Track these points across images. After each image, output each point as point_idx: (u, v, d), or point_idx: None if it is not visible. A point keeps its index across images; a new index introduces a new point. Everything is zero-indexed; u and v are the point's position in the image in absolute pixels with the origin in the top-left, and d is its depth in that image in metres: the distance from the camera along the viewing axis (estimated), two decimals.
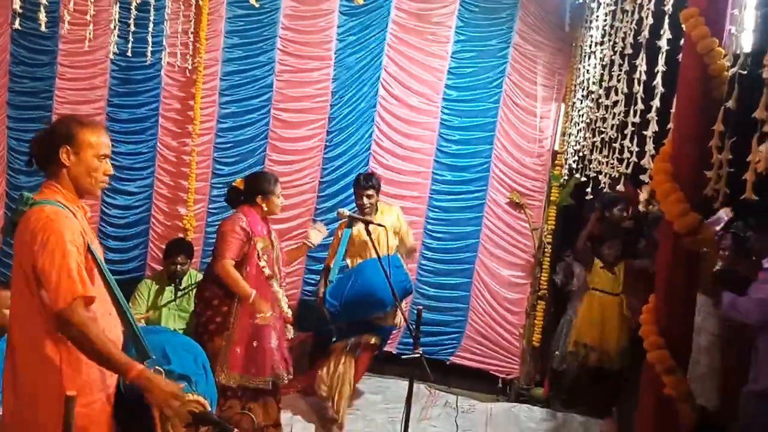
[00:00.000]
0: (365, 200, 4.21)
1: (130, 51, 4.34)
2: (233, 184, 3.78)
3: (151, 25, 4.24)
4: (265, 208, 3.63)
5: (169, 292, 4.38)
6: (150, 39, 4.32)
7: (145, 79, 5.21)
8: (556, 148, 4.98)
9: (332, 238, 4.43)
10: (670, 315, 2.14)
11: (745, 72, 1.91)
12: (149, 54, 4.40)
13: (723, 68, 1.94)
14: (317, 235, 4.06)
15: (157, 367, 2.04)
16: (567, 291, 5.18)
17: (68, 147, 2.03)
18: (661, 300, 2.16)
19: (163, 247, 4.69)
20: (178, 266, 4.34)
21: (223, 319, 3.50)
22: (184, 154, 5.20)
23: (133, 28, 4.15)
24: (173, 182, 5.25)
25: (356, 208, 4.28)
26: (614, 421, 4.50)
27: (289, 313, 3.68)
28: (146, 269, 5.25)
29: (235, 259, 3.48)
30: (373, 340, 4.28)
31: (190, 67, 4.99)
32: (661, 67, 2.54)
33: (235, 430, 2.17)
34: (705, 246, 2.05)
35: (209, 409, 2.13)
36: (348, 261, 4.29)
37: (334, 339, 4.23)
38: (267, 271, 3.56)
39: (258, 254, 3.52)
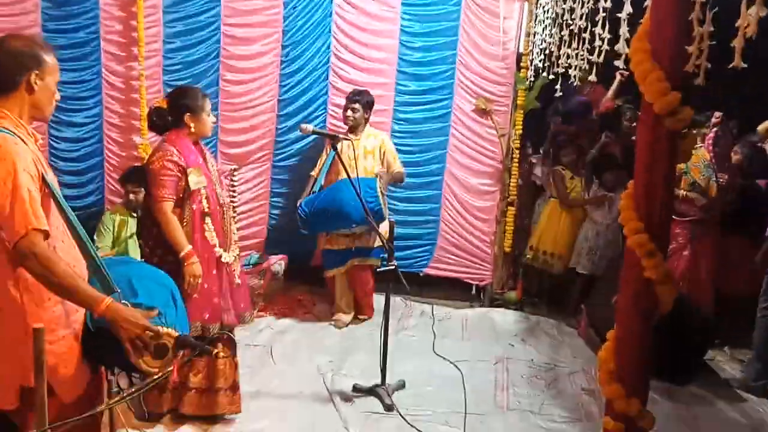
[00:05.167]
0: (348, 113, 4.38)
1: None
2: (155, 104, 3.19)
3: None
4: (193, 129, 3.04)
5: (133, 223, 4.25)
6: None
7: (80, 0, 4.81)
8: (521, 49, 4.84)
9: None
10: (649, 198, 2.09)
11: None
12: None
13: None
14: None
15: (123, 301, 1.95)
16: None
17: (36, 72, 1.92)
18: (641, 184, 2.11)
19: None
20: (131, 195, 4.23)
21: (176, 258, 2.95)
22: (132, 79, 4.89)
23: None
24: (124, 110, 4.95)
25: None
26: (584, 317, 4.63)
27: (233, 256, 3.17)
28: (105, 202, 5.04)
29: (175, 197, 2.97)
30: (356, 262, 4.49)
31: None
32: None
33: (214, 350, 2.12)
34: (685, 126, 2.00)
35: None
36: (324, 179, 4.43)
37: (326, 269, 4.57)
38: (204, 207, 3.02)
39: (189, 188, 2.98)
